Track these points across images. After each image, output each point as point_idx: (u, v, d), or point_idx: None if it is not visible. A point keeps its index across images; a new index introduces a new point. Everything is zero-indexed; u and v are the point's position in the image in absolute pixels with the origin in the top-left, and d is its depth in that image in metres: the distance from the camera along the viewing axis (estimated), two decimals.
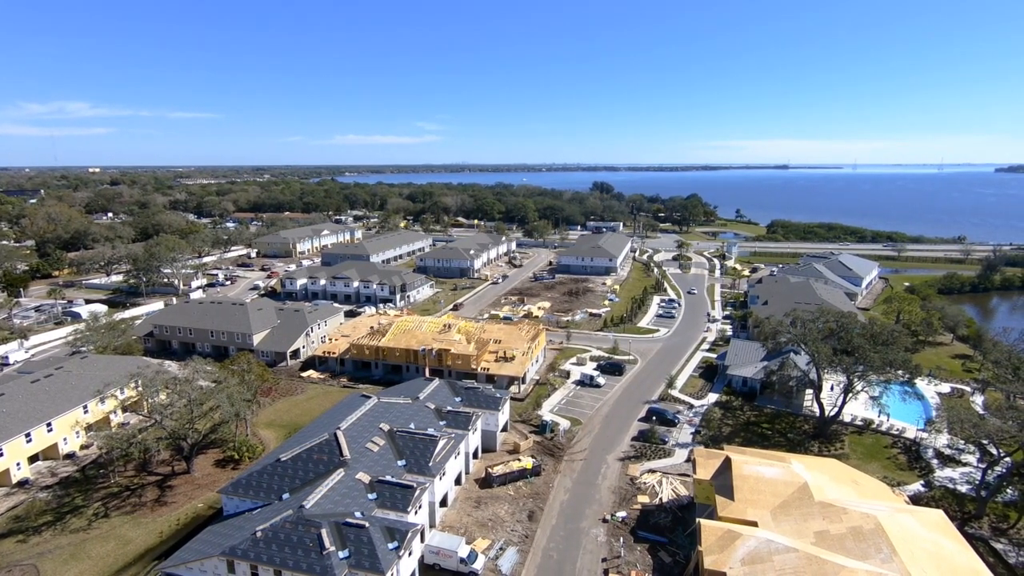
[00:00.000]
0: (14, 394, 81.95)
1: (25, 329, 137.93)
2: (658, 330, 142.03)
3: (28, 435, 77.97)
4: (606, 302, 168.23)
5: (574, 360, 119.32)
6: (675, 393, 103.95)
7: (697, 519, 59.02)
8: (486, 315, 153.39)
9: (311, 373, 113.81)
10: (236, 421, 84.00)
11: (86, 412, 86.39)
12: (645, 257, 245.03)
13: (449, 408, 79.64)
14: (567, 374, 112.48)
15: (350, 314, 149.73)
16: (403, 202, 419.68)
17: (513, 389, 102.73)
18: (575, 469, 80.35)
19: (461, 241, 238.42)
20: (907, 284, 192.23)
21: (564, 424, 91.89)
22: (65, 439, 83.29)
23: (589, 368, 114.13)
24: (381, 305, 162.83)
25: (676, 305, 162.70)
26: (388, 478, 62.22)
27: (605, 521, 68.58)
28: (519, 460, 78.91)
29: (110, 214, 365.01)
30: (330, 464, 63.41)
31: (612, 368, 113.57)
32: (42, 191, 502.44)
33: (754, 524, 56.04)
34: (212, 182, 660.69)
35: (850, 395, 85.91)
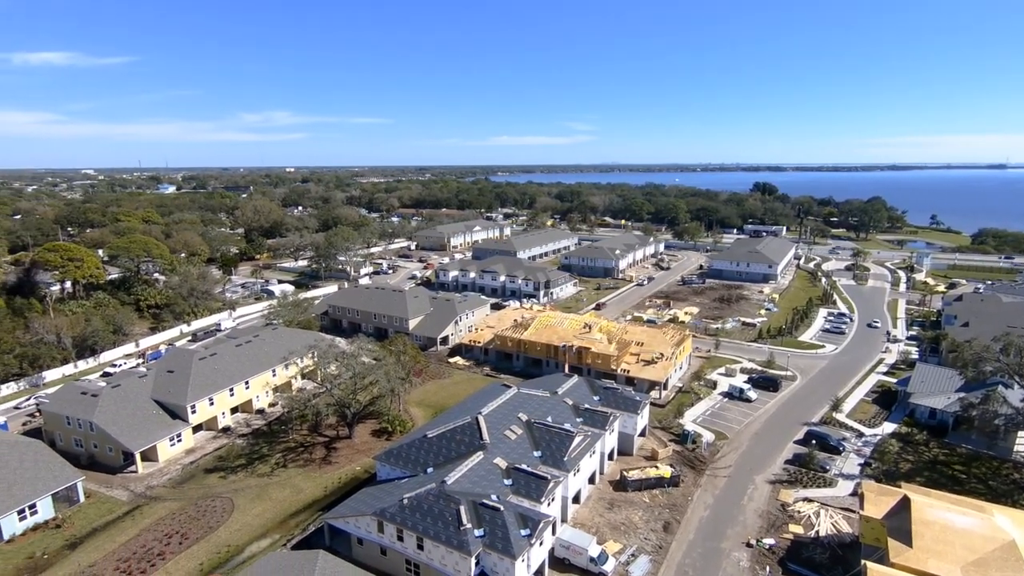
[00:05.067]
0: (223, 355, 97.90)
1: (233, 302, 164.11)
2: (823, 346, 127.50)
3: (231, 390, 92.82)
4: (762, 311, 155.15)
5: (722, 370, 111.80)
6: (841, 418, 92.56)
7: (863, 561, 51.86)
8: (629, 316, 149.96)
9: (457, 359, 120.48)
10: (391, 396, 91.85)
11: (274, 375, 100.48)
12: (812, 265, 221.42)
13: (587, 406, 79.15)
14: (714, 384, 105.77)
15: (496, 307, 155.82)
16: (551, 201, 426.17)
17: (654, 394, 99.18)
18: (717, 485, 75.30)
19: (607, 241, 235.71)
20: None
21: (708, 436, 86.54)
22: (258, 396, 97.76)
23: (739, 380, 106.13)
24: (525, 300, 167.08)
25: (847, 320, 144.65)
26: (524, 467, 63.61)
27: (750, 546, 63.32)
28: (656, 467, 75.99)
29: (300, 207, 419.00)
30: (471, 446, 66.53)
31: (766, 382, 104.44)
32: (251, 188, 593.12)
33: None
34: (381, 180, 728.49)
35: None
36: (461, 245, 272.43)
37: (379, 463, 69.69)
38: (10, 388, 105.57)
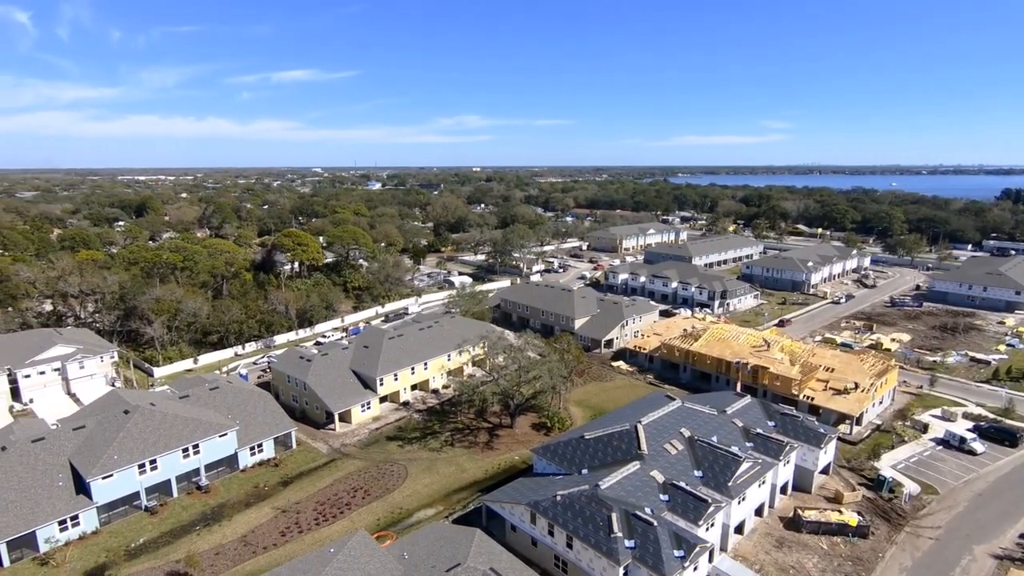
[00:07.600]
0: (408, 336, 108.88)
1: (420, 289, 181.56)
2: None
3: (413, 368, 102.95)
4: (1002, 347, 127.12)
5: (938, 412, 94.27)
6: None
7: None
8: (818, 337, 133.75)
9: (620, 364, 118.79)
10: (552, 393, 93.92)
11: (449, 360, 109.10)
12: None
13: (759, 431, 72.58)
14: (924, 427, 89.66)
15: (664, 313, 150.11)
16: (735, 205, 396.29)
17: (843, 428, 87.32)
18: (919, 547, 63.87)
19: (797, 251, 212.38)
20: None
21: (911, 487, 73.73)
22: (433, 378, 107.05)
23: (960, 427, 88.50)
24: (697, 309, 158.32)
25: None
26: (682, 484, 60.66)
27: None
28: (840, 512, 67.00)
29: (482, 205, 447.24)
30: (627, 454, 65.32)
31: (1001, 434, 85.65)
32: (442, 185, 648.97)
33: None
34: (559, 180, 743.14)
35: None
36: (633, 248, 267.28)
37: (536, 456, 71.90)
38: (251, 347, 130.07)
